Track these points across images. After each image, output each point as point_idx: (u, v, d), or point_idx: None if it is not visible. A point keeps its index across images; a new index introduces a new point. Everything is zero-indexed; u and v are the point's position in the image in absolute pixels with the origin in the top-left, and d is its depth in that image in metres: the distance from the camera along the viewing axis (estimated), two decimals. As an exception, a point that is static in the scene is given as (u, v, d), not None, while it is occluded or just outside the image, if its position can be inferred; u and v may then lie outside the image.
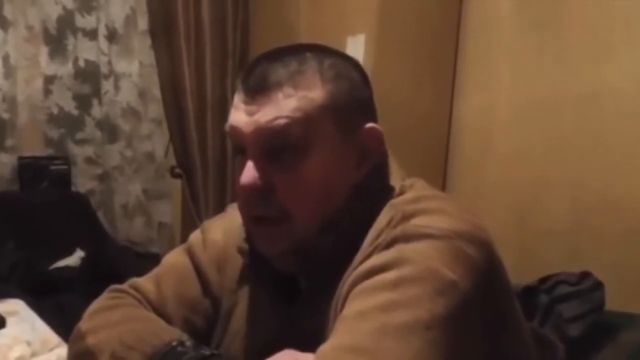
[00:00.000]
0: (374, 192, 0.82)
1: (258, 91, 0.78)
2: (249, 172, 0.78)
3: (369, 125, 0.82)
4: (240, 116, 0.79)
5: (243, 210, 0.83)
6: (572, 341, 1.68)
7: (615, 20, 2.18)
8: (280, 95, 0.77)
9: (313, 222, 0.79)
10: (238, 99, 0.80)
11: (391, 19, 2.40)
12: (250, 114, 0.78)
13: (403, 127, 2.47)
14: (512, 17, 2.47)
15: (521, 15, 2.45)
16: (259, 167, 0.78)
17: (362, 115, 0.83)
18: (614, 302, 1.86)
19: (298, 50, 0.81)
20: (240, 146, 0.80)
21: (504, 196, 2.51)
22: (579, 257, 2.18)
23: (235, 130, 0.79)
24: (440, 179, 2.70)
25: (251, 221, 0.82)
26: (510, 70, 2.48)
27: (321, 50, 0.83)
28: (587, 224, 2.23)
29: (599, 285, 1.82)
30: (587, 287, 1.80)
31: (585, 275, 1.85)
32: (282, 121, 0.76)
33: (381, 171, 0.85)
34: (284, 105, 0.77)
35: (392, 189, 0.83)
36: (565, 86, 2.30)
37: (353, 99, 0.81)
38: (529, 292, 1.84)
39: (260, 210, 0.79)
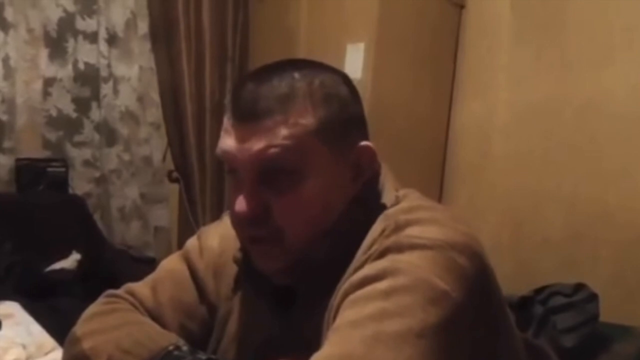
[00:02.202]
0: (369, 203, 0.83)
1: (248, 118, 0.77)
2: (243, 200, 0.78)
3: (362, 144, 0.83)
4: (231, 142, 0.79)
5: (239, 232, 0.84)
6: (567, 352, 1.69)
7: (614, 26, 2.19)
8: (270, 123, 0.76)
9: (305, 238, 0.80)
10: (228, 123, 0.80)
11: (391, 25, 2.42)
12: (241, 141, 0.78)
13: (401, 132, 2.49)
14: (511, 23, 2.49)
15: (520, 21, 2.47)
16: (253, 191, 0.78)
17: (353, 132, 0.83)
18: (608, 313, 1.86)
19: (286, 70, 0.80)
20: (233, 169, 0.80)
21: (501, 204, 2.51)
22: (575, 268, 2.19)
23: (227, 155, 0.80)
24: (437, 186, 2.71)
25: (247, 240, 0.83)
26: (508, 76, 2.50)
27: (310, 68, 0.82)
28: (583, 234, 2.24)
29: (593, 297, 1.83)
30: (582, 298, 1.81)
31: (579, 286, 1.86)
32: (274, 150, 0.76)
33: (375, 182, 0.85)
34: (275, 134, 0.76)
35: (386, 199, 0.83)
36: (563, 93, 2.32)
37: (344, 118, 0.81)
38: (524, 303, 1.84)
39: (255, 231, 0.80)
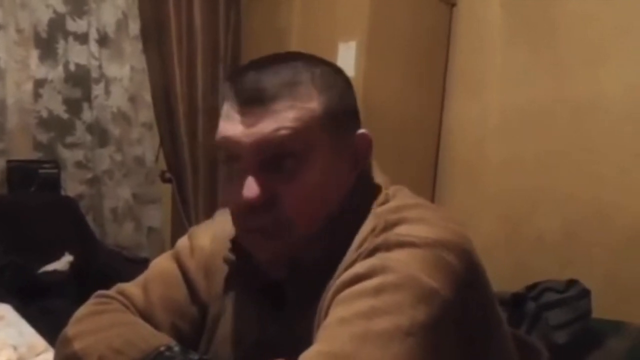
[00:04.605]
0: (361, 200, 0.83)
1: (255, 102, 0.77)
2: (251, 185, 0.77)
3: (361, 131, 0.84)
4: (236, 127, 0.78)
5: (241, 222, 0.82)
6: (559, 348, 1.69)
7: (607, 25, 2.19)
8: (279, 106, 0.77)
9: (314, 228, 0.80)
10: (231, 109, 0.79)
11: (382, 26, 2.42)
12: (248, 125, 0.77)
13: (394, 131, 2.48)
14: (501, 21, 2.49)
15: (511, 20, 2.47)
16: (259, 178, 0.77)
17: (352, 122, 0.85)
18: (603, 312, 1.87)
19: (288, 59, 0.82)
20: (236, 156, 0.79)
21: (495, 204, 2.51)
22: (569, 268, 2.19)
23: (230, 141, 0.79)
24: (430, 186, 2.71)
25: (250, 233, 0.82)
26: (501, 75, 2.50)
27: (309, 60, 0.83)
28: (578, 234, 2.24)
29: (585, 293, 1.83)
30: (574, 294, 1.82)
31: (571, 282, 1.87)
32: (284, 132, 0.76)
33: (367, 178, 0.86)
34: (284, 116, 0.77)
35: (377, 192, 0.84)
36: (557, 92, 2.32)
37: (344, 107, 0.83)
38: (517, 300, 1.85)
39: (262, 221, 0.79)
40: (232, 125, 0.79)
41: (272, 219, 0.78)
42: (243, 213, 0.80)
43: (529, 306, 1.81)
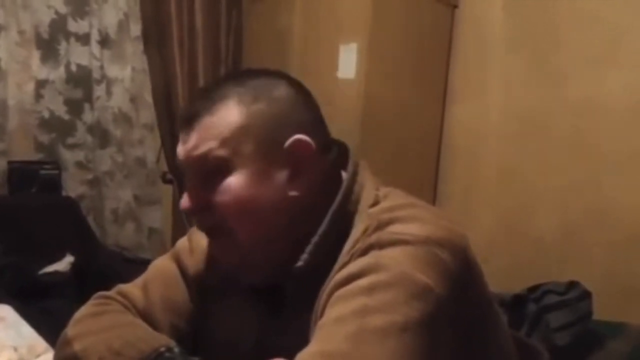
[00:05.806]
0: (347, 200, 0.83)
1: (185, 122, 0.85)
2: (185, 197, 0.85)
3: (295, 137, 0.83)
4: (179, 146, 0.87)
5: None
6: (560, 350, 1.69)
7: (608, 28, 2.20)
8: (200, 124, 0.83)
9: (255, 235, 0.82)
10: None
11: (383, 27, 2.42)
12: (182, 144, 0.85)
13: (394, 132, 2.48)
14: (503, 23, 2.50)
15: (514, 24, 2.48)
16: (194, 189, 0.84)
17: (287, 131, 0.83)
18: (602, 311, 1.87)
19: (225, 80, 0.88)
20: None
21: (495, 204, 2.52)
22: (568, 267, 2.19)
23: (177, 158, 0.87)
24: (431, 187, 2.71)
25: (205, 234, 0.89)
26: (502, 76, 2.50)
27: (247, 74, 0.88)
28: (577, 233, 2.25)
29: (586, 295, 1.83)
30: (575, 296, 1.82)
31: (572, 284, 1.87)
32: (201, 148, 0.82)
33: (352, 182, 0.85)
34: (202, 133, 0.82)
35: (366, 199, 0.83)
36: (557, 93, 2.32)
37: (276, 117, 0.83)
38: (518, 301, 1.85)
39: (203, 224, 0.87)
40: (179, 144, 0.87)
41: (211, 223, 0.85)
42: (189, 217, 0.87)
43: (530, 308, 1.81)
